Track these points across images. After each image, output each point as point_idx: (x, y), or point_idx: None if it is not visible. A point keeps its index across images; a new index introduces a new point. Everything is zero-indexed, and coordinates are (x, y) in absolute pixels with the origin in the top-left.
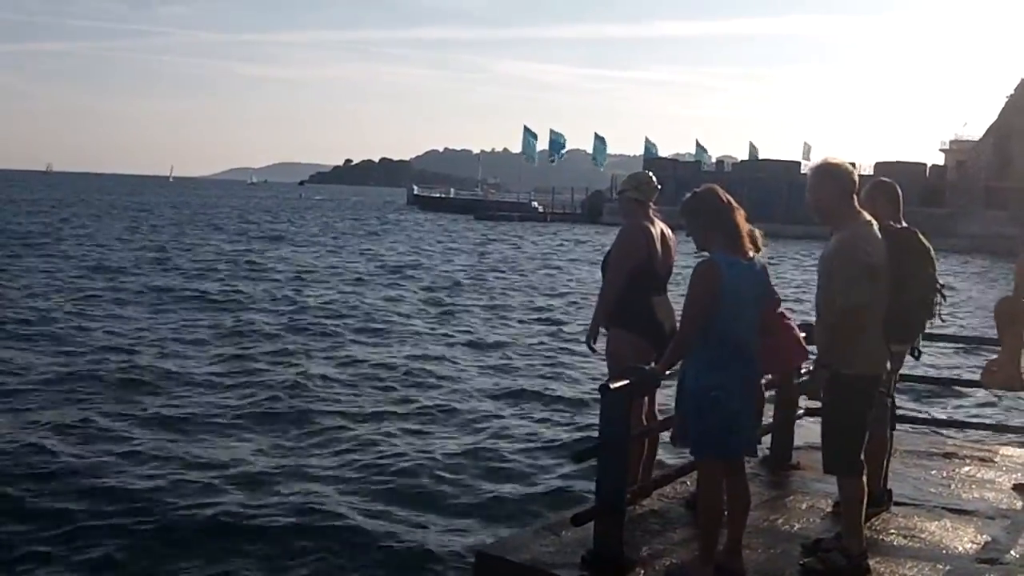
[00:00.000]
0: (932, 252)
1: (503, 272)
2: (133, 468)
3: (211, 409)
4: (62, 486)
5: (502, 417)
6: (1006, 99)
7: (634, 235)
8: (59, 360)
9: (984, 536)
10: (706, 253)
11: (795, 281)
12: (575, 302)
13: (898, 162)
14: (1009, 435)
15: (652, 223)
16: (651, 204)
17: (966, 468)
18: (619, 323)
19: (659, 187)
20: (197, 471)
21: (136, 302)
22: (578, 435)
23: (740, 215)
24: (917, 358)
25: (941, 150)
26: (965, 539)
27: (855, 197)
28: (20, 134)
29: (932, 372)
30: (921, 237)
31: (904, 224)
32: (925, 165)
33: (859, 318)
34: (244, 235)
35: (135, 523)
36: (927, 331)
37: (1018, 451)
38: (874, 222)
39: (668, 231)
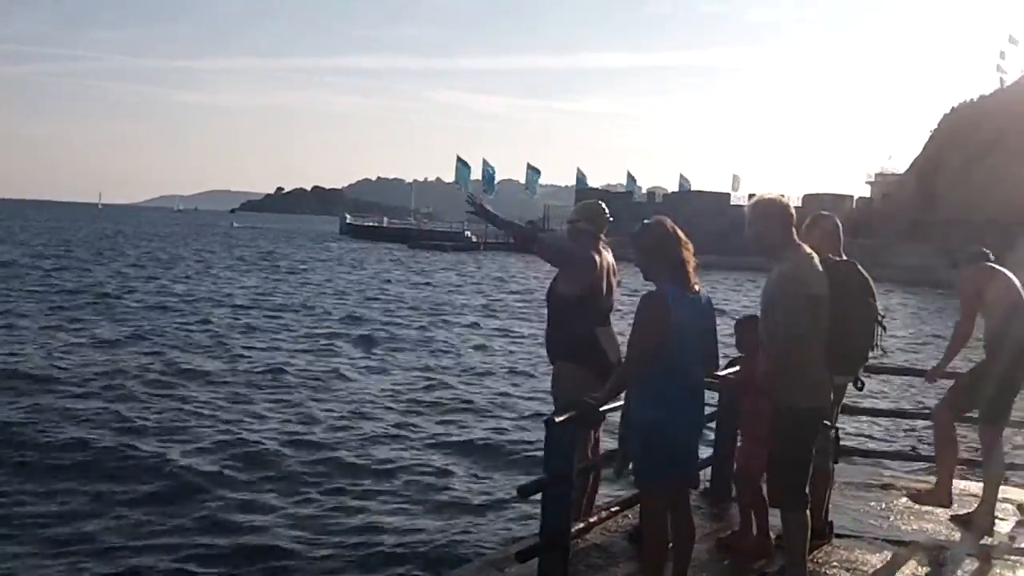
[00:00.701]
0: (872, 283)
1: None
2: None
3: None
4: None
5: (443, 450)
6: (930, 133)
7: (584, 266)
8: None
9: (923, 568)
10: (651, 284)
11: (731, 311)
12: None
13: (825, 194)
14: None
15: (599, 254)
16: (601, 235)
17: (904, 500)
18: (563, 355)
19: (611, 219)
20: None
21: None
22: (520, 465)
23: (687, 248)
24: (860, 389)
25: (867, 182)
26: (906, 571)
27: (795, 230)
28: None
29: (874, 403)
30: (861, 269)
31: (844, 256)
32: (852, 197)
33: (801, 349)
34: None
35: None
36: (869, 362)
37: (956, 483)
38: (815, 255)
39: (613, 262)
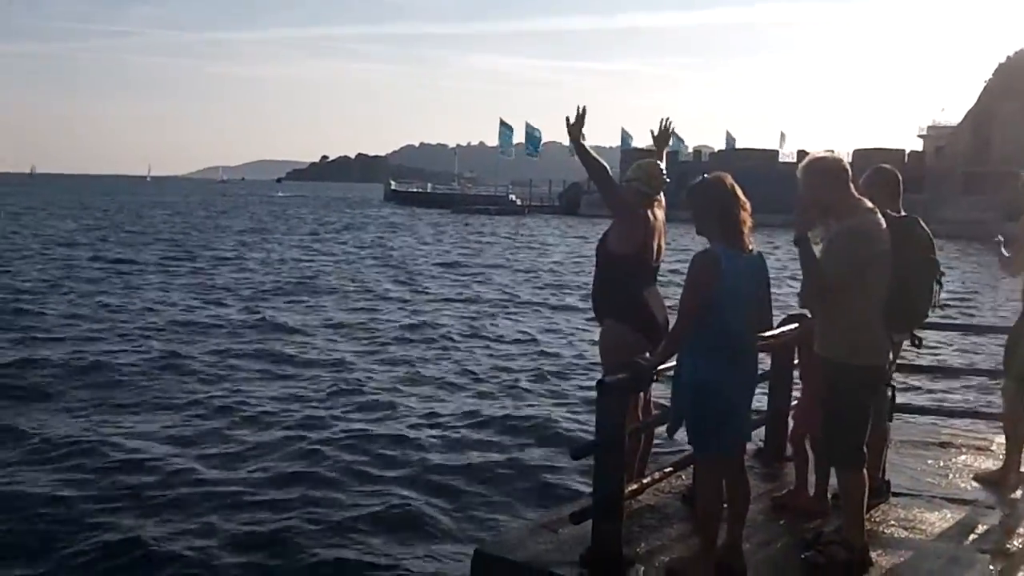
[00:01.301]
0: (933, 239)
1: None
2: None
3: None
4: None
5: (495, 415)
6: (984, 84)
7: (635, 224)
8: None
9: (984, 525)
10: (704, 239)
11: (782, 269)
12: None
13: (877, 149)
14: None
15: (654, 215)
16: (657, 197)
17: (962, 457)
18: (612, 314)
19: (667, 180)
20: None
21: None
22: (576, 428)
23: (744, 208)
24: (918, 347)
25: (919, 136)
26: (965, 529)
27: (852, 186)
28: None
29: (931, 360)
30: (923, 224)
31: (902, 211)
32: (904, 151)
33: (862, 302)
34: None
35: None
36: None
37: (997, 438)
38: (877, 210)
39: (664, 223)
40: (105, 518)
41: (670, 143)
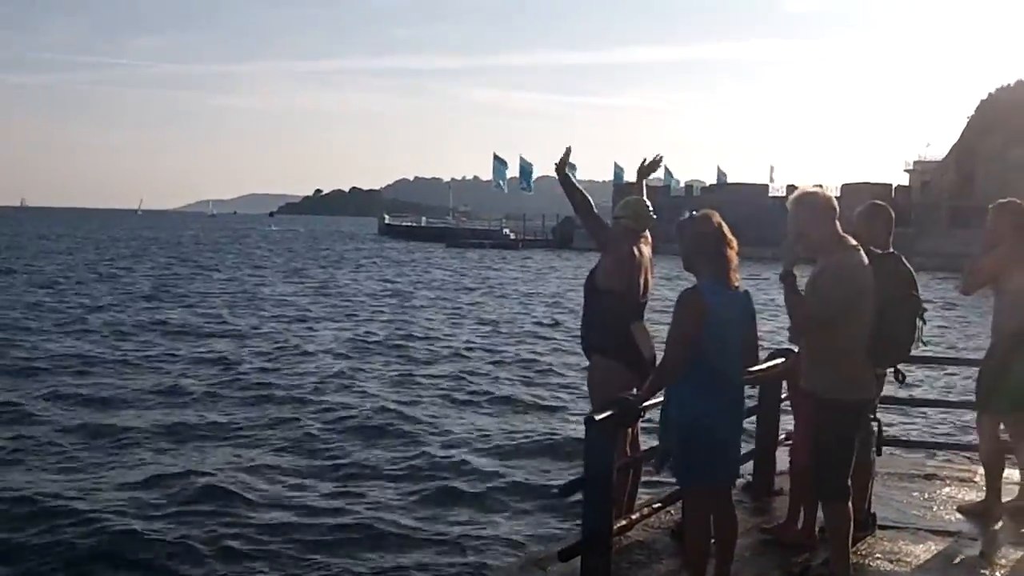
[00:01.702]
0: (915, 276)
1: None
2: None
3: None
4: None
5: (482, 450)
6: (967, 119)
7: (622, 260)
8: None
9: (968, 558)
10: (691, 275)
11: (770, 303)
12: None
13: (864, 183)
14: None
15: (640, 251)
16: (644, 234)
17: (947, 489)
18: (599, 350)
19: (655, 217)
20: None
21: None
22: (564, 465)
23: (731, 246)
24: (901, 382)
25: (905, 170)
26: (950, 561)
27: (837, 223)
28: None
29: (915, 393)
30: (905, 261)
31: (891, 247)
32: (891, 185)
33: (846, 338)
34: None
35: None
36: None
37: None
38: (860, 248)
39: (651, 259)
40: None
41: (661, 178)
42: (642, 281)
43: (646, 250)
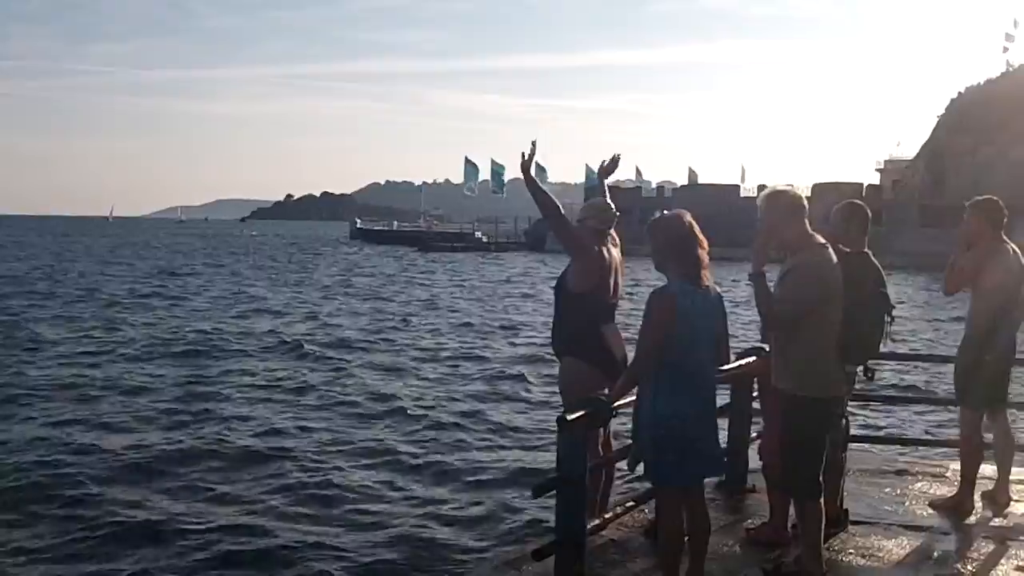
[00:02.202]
0: (883, 274)
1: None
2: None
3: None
4: None
5: (457, 450)
6: (937, 119)
7: (591, 262)
8: None
9: (940, 552)
10: (662, 275)
11: (742, 304)
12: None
13: (836, 183)
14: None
15: (608, 252)
16: (610, 232)
17: (919, 484)
18: (571, 352)
19: (618, 214)
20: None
21: None
22: (536, 465)
23: (702, 246)
24: (871, 379)
25: (877, 170)
26: (923, 556)
27: (807, 221)
28: None
29: (886, 390)
30: (873, 259)
31: (866, 248)
32: (862, 184)
33: (815, 336)
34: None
35: None
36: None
37: (953, 464)
38: (828, 246)
39: (620, 260)
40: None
41: (632, 179)
42: (612, 283)
43: (615, 252)
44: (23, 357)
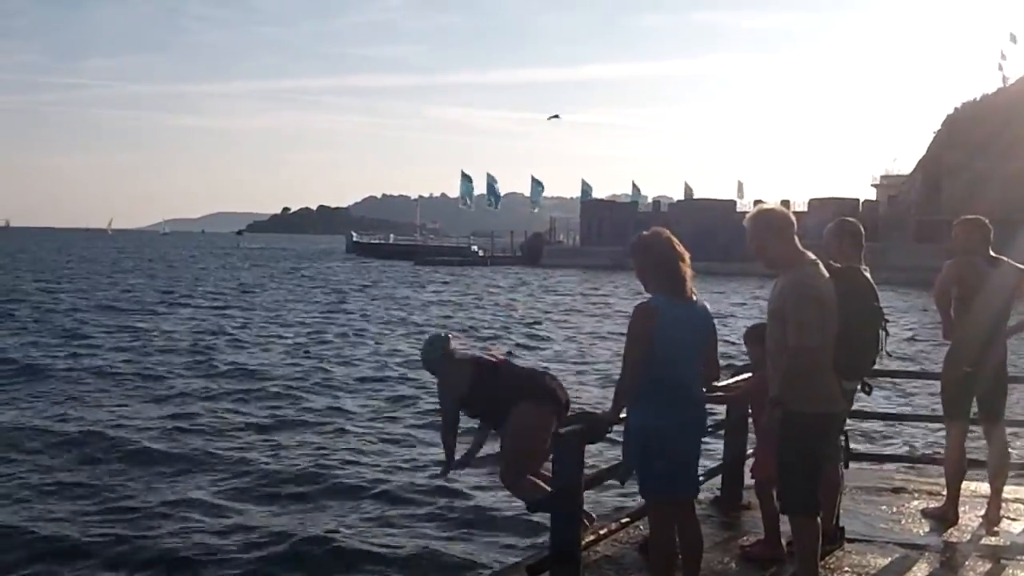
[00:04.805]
0: (875, 287)
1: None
2: None
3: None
4: None
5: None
6: (933, 134)
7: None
8: None
9: (935, 571)
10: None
11: (738, 319)
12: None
13: (831, 198)
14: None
15: (472, 362)
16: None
17: (915, 502)
18: (526, 396)
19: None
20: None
21: None
22: None
23: (683, 260)
24: (868, 393)
25: (872, 185)
26: (918, 574)
27: (796, 238)
28: None
29: (883, 407)
30: (865, 273)
31: (863, 262)
32: (858, 200)
33: (812, 356)
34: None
35: None
36: (876, 367)
37: (966, 484)
38: (819, 261)
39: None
40: None
41: (629, 194)
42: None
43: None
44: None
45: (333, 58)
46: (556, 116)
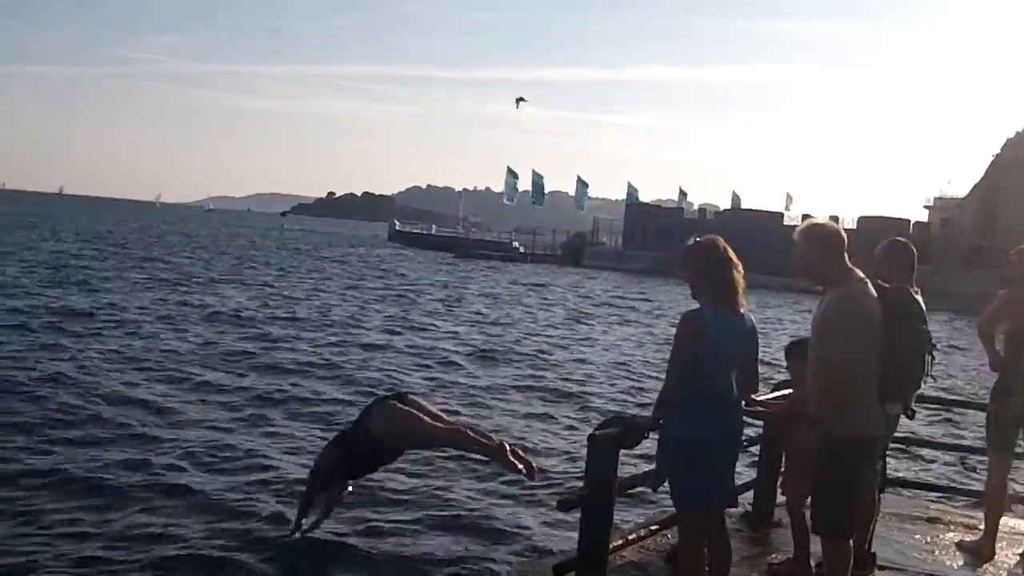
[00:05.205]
0: (924, 310)
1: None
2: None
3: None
4: None
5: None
6: (992, 157)
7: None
8: None
9: None
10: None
11: (781, 333)
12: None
13: (882, 217)
14: None
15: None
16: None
17: (950, 534)
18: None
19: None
20: None
21: None
22: (558, 481)
23: (737, 270)
24: (911, 417)
25: (925, 207)
26: None
27: (846, 255)
28: (27, 156)
29: (925, 434)
30: (915, 295)
31: (915, 284)
32: (909, 221)
33: (853, 377)
34: None
35: None
36: (920, 391)
37: (1005, 520)
38: (867, 280)
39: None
40: None
41: (675, 200)
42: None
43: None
44: None
45: (385, 47)
46: (522, 99)
